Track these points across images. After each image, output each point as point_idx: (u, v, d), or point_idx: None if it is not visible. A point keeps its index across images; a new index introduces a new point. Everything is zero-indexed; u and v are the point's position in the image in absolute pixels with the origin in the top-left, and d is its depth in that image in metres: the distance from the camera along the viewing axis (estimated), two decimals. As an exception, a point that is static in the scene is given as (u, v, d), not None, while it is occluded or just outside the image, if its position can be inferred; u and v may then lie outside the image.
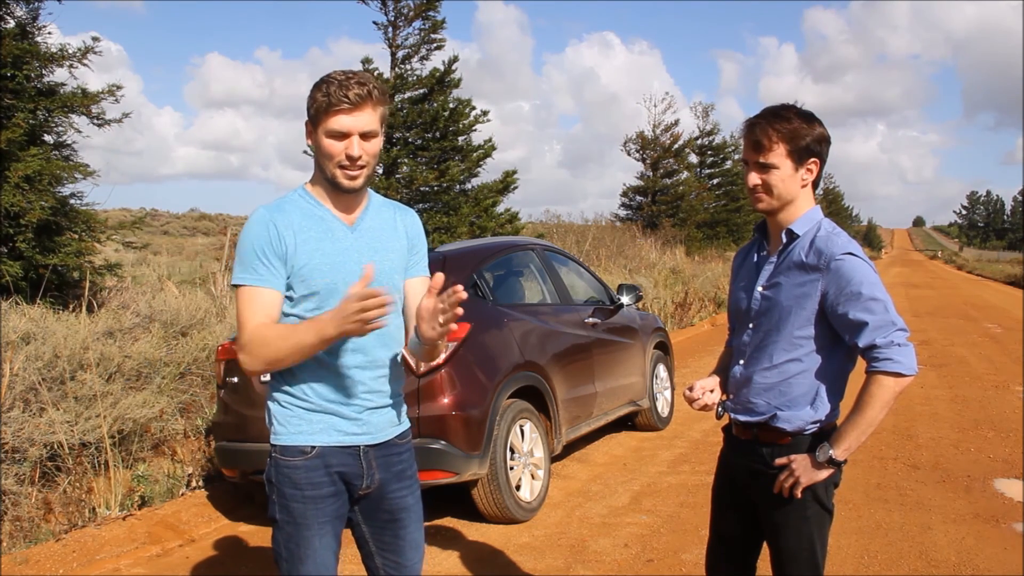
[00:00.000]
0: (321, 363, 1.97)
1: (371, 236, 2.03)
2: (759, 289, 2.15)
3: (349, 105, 1.88)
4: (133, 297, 7.36)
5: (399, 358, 2.10)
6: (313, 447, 1.96)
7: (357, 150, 1.91)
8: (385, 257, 2.03)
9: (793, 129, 2.03)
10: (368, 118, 1.91)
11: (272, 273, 1.93)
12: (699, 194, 29.60)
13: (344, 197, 2.00)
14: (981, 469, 5.20)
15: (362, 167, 1.94)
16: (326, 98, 1.89)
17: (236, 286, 1.94)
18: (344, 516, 2.04)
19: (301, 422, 1.98)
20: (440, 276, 1.81)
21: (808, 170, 2.08)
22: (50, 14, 19.86)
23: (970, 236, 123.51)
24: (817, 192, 2.17)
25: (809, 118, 2.06)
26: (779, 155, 2.04)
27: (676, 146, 29.24)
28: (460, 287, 1.80)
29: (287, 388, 1.99)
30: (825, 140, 2.09)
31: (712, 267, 20.64)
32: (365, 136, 1.92)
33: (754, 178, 2.08)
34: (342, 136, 1.91)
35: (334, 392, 1.98)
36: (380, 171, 12.80)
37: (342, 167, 1.93)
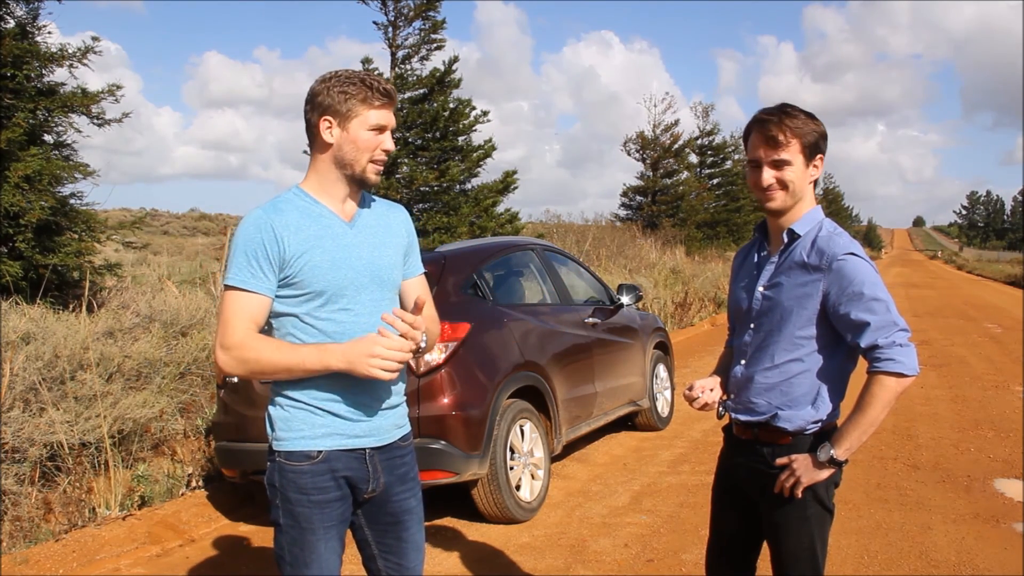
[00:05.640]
0: None
1: (369, 232, 2.03)
2: (760, 289, 2.14)
3: (388, 100, 1.92)
4: (133, 297, 7.34)
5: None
6: (320, 451, 1.94)
7: (391, 144, 1.95)
8: (384, 253, 2.03)
9: (803, 125, 2.04)
10: (393, 115, 1.97)
11: (261, 279, 1.91)
12: (699, 194, 29.58)
13: (344, 194, 1.99)
14: (981, 469, 5.20)
15: (386, 162, 1.97)
16: (366, 91, 1.90)
17: (227, 285, 1.93)
18: (348, 519, 2.03)
19: (304, 426, 1.95)
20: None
21: (815, 166, 2.09)
22: (50, 14, 19.88)
23: (970, 236, 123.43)
24: (817, 192, 2.17)
25: (811, 116, 2.08)
26: (794, 151, 2.04)
27: (676, 146, 29.22)
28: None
29: (290, 391, 1.96)
30: (826, 137, 2.10)
31: (712, 267, 20.62)
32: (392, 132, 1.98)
33: (768, 176, 2.06)
34: (381, 130, 1.93)
35: (339, 395, 1.95)
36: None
37: (374, 161, 1.94)
